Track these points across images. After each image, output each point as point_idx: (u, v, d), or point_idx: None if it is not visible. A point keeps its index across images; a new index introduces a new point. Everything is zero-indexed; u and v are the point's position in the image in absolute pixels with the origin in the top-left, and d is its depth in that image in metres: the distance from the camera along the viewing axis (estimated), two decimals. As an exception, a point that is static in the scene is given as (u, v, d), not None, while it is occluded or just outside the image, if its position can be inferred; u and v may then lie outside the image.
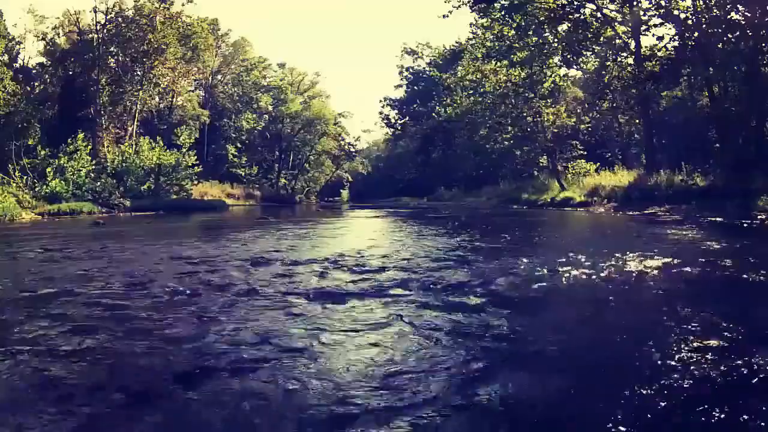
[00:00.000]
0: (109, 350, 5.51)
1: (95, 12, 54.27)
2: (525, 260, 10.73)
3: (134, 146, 50.83)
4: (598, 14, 34.22)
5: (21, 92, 44.64)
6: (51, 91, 54.55)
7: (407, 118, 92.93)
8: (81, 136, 43.54)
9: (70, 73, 56.10)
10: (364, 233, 20.86)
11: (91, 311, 7.10)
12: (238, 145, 79.19)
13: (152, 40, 54.62)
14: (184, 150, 52.03)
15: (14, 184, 36.66)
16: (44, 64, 58.95)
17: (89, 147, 44.40)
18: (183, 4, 57.53)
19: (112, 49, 55.33)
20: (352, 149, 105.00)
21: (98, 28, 54.18)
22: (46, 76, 57.25)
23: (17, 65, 58.22)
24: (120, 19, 55.04)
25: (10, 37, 56.25)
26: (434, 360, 5.06)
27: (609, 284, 8.51)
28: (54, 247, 14.34)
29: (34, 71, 58.61)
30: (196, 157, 53.46)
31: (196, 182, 53.11)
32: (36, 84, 55.47)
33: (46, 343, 5.69)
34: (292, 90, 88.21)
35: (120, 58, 55.98)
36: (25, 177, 38.53)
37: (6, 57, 54.30)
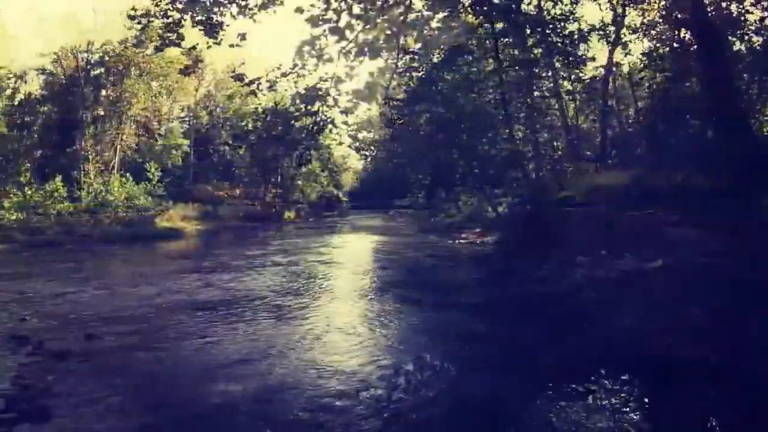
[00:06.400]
0: None
1: (77, 55, 59.54)
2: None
3: (107, 184, 55.42)
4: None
5: (16, 135, 49.80)
6: (37, 130, 59.59)
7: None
8: (59, 179, 48.20)
9: (56, 111, 61.32)
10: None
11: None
12: (221, 168, 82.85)
13: (129, 85, 59.89)
14: (154, 182, 56.62)
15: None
16: (36, 101, 63.65)
17: (66, 186, 48.93)
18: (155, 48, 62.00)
19: (90, 91, 60.27)
20: (345, 162, 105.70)
21: (80, 71, 59.18)
22: (38, 115, 62.33)
23: (20, 96, 63.28)
24: (100, 64, 60.50)
25: (11, 75, 61.40)
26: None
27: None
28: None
29: (26, 108, 63.12)
30: (164, 188, 58.21)
31: (162, 212, 57.34)
32: (28, 120, 60.40)
33: None
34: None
35: (101, 99, 61.19)
36: (16, 213, 42.99)
37: (9, 92, 59.85)
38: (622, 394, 8.84)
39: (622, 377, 9.43)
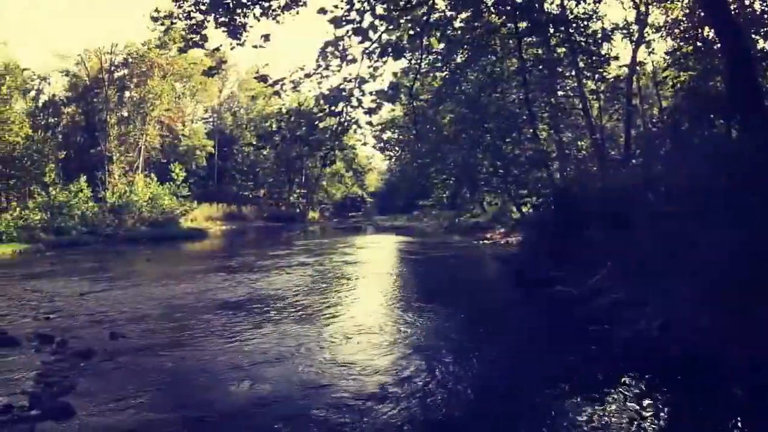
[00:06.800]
0: None
1: (101, 56, 59.98)
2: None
3: (131, 185, 55.68)
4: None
5: (40, 136, 50.21)
6: (61, 131, 60.28)
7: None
8: (83, 179, 48.50)
9: (80, 112, 61.97)
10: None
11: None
12: (245, 168, 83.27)
13: (152, 86, 60.27)
14: (178, 182, 56.99)
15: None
16: (61, 103, 64.36)
17: (90, 187, 49.18)
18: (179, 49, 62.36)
19: (114, 92, 60.65)
20: (370, 162, 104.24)
21: (104, 73, 59.55)
22: (64, 116, 63.03)
23: (44, 98, 63.99)
24: (124, 65, 61.02)
25: (35, 76, 61.97)
26: None
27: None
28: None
29: (50, 109, 63.83)
30: (188, 189, 58.61)
31: (186, 212, 57.67)
32: (52, 121, 61.06)
33: None
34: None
35: (125, 100, 61.65)
36: (40, 213, 43.38)
37: (33, 93, 60.29)
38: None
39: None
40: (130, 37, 63.49)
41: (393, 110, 58.94)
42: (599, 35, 27.37)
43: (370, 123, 18.87)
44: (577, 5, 27.70)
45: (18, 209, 42.63)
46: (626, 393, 8.78)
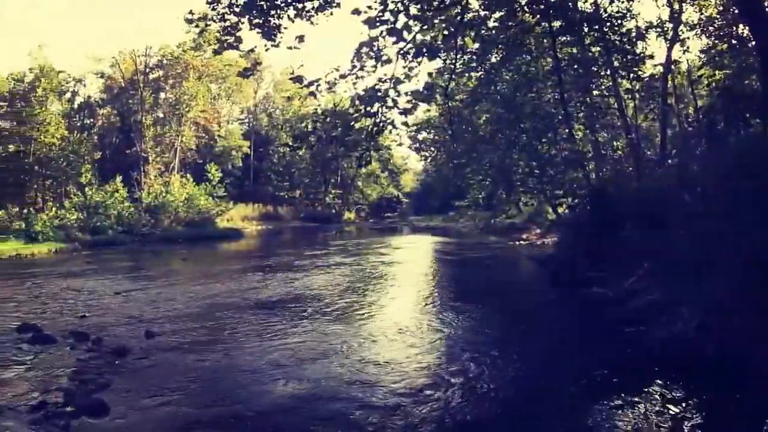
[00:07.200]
0: None
1: (135, 58, 60.53)
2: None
3: (167, 185, 56.04)
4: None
5: (76, 138, 50.90)
6: (97, 132, 60.96)
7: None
8: (119, 179, 48.95)
9: (115, 113, 62.62)
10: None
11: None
12: (281, 169, 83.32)
13: (187, 88, 60.70)
14: (214, 183, 57.21)
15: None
16: (96, 104, 65.15)
17: (126, 187, 49.65)
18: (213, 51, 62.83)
19: (149, 93, 61.13)
20: (405, 163, 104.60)
21: (139, 74, 60.11)
22: (99, 117, 63.76)
23: (79, 100, 64.66)
24: (159, 67, 61.53)
25: (70, 78, 62.50)
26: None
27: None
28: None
29: (86, 111, 64.49)
30: (224, 189, 58.91)
31: (222, 212, 57.91)
32: (87, 122, 61.81)
33: None
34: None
35: (160, 102, 62.15)
36: (76, 213, 43.87)
37: (69, 95, 60.87)
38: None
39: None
40: (141, 38, 64.01)
41: (428, 110, 59.06)
42: (633, 34, 27.19)
43: (405, 123, 18.83)
44: (610, 4, 27.57)
45: (54, 209, 43.27)
46: (660, 394, 8.75)
